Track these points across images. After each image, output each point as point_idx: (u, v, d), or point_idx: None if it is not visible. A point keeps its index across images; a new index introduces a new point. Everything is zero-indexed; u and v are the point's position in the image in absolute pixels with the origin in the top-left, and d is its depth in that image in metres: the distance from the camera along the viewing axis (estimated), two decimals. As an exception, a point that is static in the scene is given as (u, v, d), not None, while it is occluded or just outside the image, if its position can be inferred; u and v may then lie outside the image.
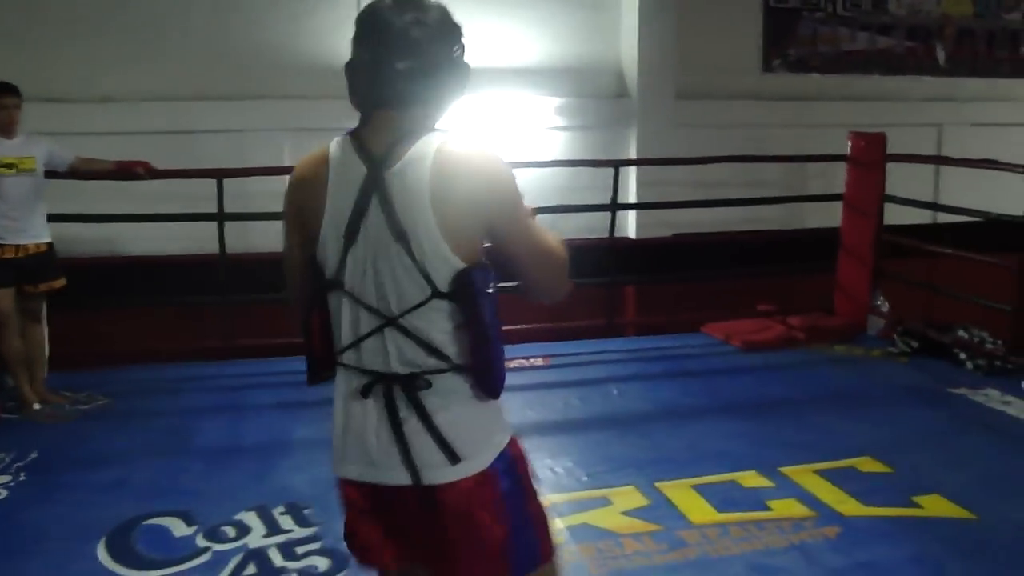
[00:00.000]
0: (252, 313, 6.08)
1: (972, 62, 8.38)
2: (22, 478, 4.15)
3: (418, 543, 1.87)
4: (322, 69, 6.46)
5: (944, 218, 7.31)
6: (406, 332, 1.77)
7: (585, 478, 4.11)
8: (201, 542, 3.53)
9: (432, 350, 1.78)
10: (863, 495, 3.86)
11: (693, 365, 5.88)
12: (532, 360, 5.74)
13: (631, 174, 6.94)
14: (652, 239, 6.85)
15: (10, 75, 5.07)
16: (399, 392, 1.79)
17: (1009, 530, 3.59)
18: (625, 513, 3.74)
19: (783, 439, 4.49)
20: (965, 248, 6.41)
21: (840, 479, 4.01)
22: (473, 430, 1.82)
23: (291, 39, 6.45)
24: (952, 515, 3.72)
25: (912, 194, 6.70)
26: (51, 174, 5.13)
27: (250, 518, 3.72)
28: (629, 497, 3.88)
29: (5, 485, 4.06)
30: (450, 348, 1.79)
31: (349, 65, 1.81)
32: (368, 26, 1.78)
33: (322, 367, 1.90)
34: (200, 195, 5.77)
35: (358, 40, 1.80)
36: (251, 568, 3.34)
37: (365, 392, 1.81)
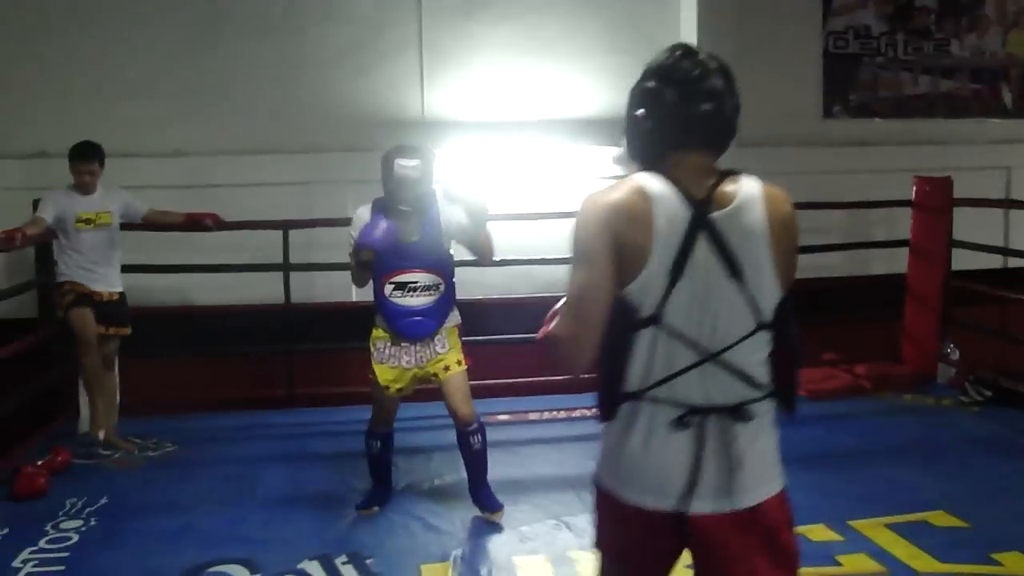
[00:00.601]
0: (314, 362, 6.16)
1: (1039, 104, 8.23)
2: (92, 523, 4.23)
3: (715, 568, 1.92)
4: (385, 122, 6.59)
5: (1015, 263, 7.14)
6: (726, 365, 1.85)
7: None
8: (265, 590, 3.56)
9: (750, 380, 1.87)
10: (938, 550, 3.74)
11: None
12: (594, 410, 5.70)
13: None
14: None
15: (89, 131, 5.30)
16: (715, 422, 1.85)
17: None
18: (689, 565, 3.67)
19: (852, 491, 4.39)
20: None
21: (913, 534, 3.90)
22: (774, 452, 1.95)
23: (355, 94, 6.60)
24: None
25: (980, 238, 6.56)
26: (126, 226, 5.32)
27: (312, 567, 3.74)
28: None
29: (76, 530, 4.15)
30: (763, 376, 1.89)
31: (648, 108, 1.90)
32: (680, 72, 1.89)
33: (619, 402, 1.90)
34: (266, 246, 5.90)
35: (662, 84, 1.89)
36: (314, 618, 3.36)
37: (678, 424, 1.85)
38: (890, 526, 3.94)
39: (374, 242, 3.89)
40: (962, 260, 6.47)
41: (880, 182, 6.92)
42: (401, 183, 3.96)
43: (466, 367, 4.18)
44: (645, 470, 1.88)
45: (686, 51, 1.93)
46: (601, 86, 6.95)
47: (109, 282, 5.17)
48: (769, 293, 1.86)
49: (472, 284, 6.48)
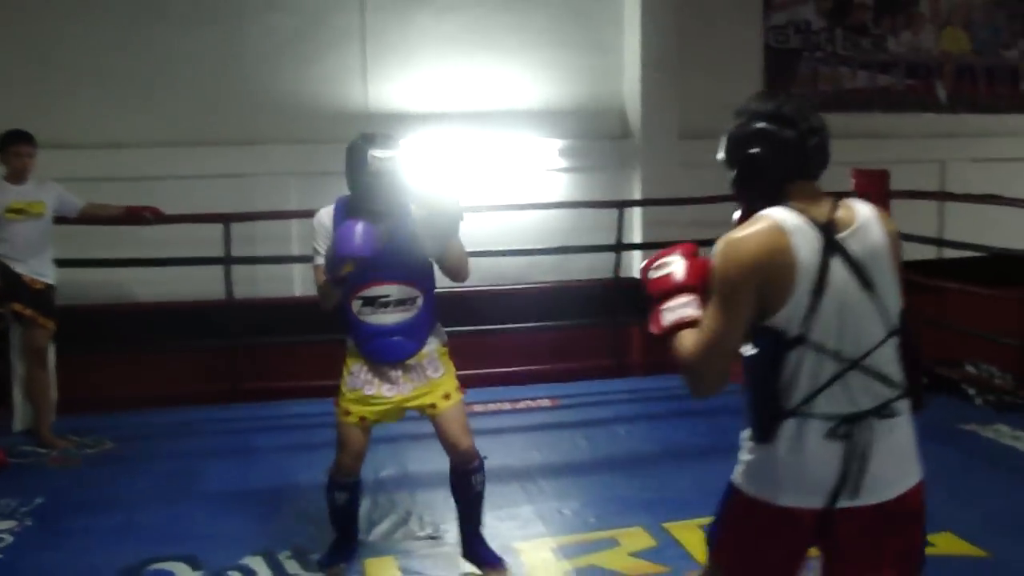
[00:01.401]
0: (257, 357, 6.10)
1: (972, 98, 8.43)
2: (28, 523, 4.13)
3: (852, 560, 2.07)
4: (328, 114, 6.54)
5: (950, 253, 7.31)
6: (867, 370, 2.02)
7: (592, 519, 4.08)
8: (206, 587, 3.52)
9: (887, 381, 2.04)
10: (874, 534, 3.82)
11: (699, 404, 5.78)
12: (539, 401, 5.72)
13: (636, 214, 6.97)
14: (658, 279, 6.86)
15: (21, 122, 5.17)
16: (862, 426, 2.01)
17: (1021, 567, 3.55)
18: (633, 554, 3.71)
19: (792, 478, 4.46)
20: (971, 283, 6.41)
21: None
22: (913, 445, 2.10)
23: (297, 85, 6.53)
24: (965, 553, 3.69)
25: (916, 230, 6.69)
26: (61, 219, 5.20)
27: (256, 563, 3.70)
28: (637, 538, 3.85)
29: (10, 531, 4.05)
30: (898, 376, 2.06)
31: (765, 147, 2.09)
32: (789, 113, 2.10)
33: (775, 421, 2.04)
34: (207, 240, 5.82)
35: (778, 125, 2.09)
36: (257, 614, 3.33)
37: (831, 435, 2.00)
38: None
39: (356, 250, 3.17)
40: (899, 251, 6.59)
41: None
42: (376, 177, 3.31)
43: (463, 395, 3.60)
44: (798, 474, 2.02)
45: (783, 95, 2.16)
46: (545, 79, 6.97)
47: (38, 272, 5.06)
48: (894, 301, 2.07)
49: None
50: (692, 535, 3.82)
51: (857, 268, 2.02)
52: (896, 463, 2.05)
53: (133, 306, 6.23)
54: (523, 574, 3.59)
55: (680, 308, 2.12)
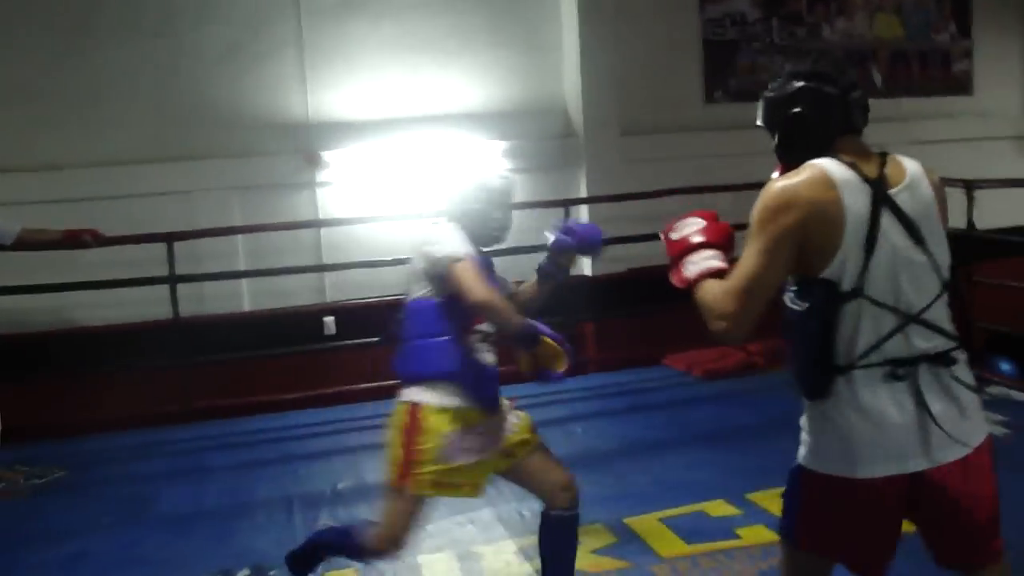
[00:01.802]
0: (208, 375, 6.01)
1: (907, 82, 8.58)
2: (-24, 559, 4.03)
3: (949, 515, 2.06)
4: (269, 125, 6.47)
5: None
6: (926, 324, 2.03)
7: (553, 519, 4.07)
8: (164, 613, 3.45)
9: (945, 333, 2.05)
10: (831, 516, 3.86)
11: (656, 398, 5.89)
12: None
13: (582, 212, 6.99)
14: (607, 275, 6.87)
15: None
16: (926, 370, 2.01)
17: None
18: (594, 552, 3.70)
19: (748, 466, 4.49)
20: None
21: (807, 502, 4.01)
22: (975, 395, 2.09)
23: (236, 97, 6.45)
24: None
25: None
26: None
27: (214, 584, 3.64)
28: (597, 535, 3.85)
29: (-42, 568, 3.95)
30: (951, 329, 2.08)
31: (809, 104, 2.12)
32: (827, 69, 2.13)
33: (829, 378, 2.03)
34: (151, 259, 5.72)
35: (819, 82, 2.12)
36: (216, 636, 3.27)
37: (892, 378, 1.99)
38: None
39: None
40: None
41: (763, 163, 7.05)
42: (503, 196, 3.04)
43: None
44: (877, 439, 1.99)
45: (819, 53, 2.22)
46: (486, 81, 6.97)
47: None
48: (945, 256, 2.09)
49: (365, 286, 6.44)
50: (652, 528, 3.84)
51: (908, 224, 2.03)
52: (970, 411, 2.05)
53: (79, 330, 6.10)
54: (485, 578, 3.56)
55: (704, 261, 2.13)
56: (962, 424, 2.02)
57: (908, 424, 1.99)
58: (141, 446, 5.47)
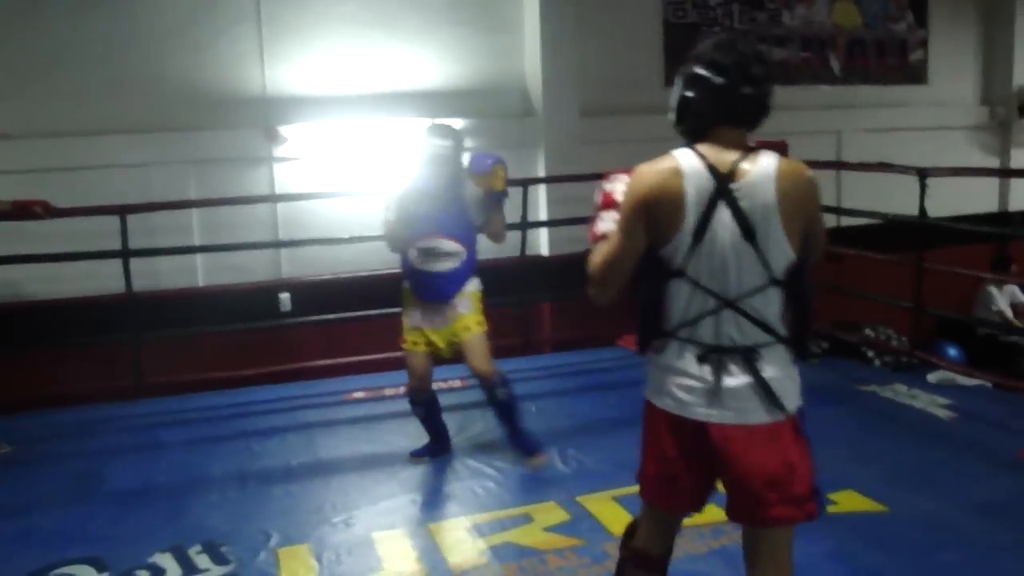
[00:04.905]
0: (161, 350, 5.94)
1: (864, 70, 8.68)
2: (-80, 534, 3.96)
3: (737, 474, 2.27)
4: (226, 99, 6.38)
5: (847, 221, 7.53)
6: (743, 312, 2.23)
7: (507, 497, 4.11)
8: (113, 588, 3.42)
9: (765, 326, 2.25)
10: (779, 495, 3.93)
11: (610, 378, 5.94)
12: (450, 382, 5.72)
13: (540, 192, 6.99)
14: (564, 255, 6.89)
15: None
16: (733, 359, 2.23)
17: (918, 520, 3.70)
18: (547, 529, 3.74)
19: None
20: (867, 249, 6.62)
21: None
22: (786, 385, 2.27)
23: (191, 70, 6.34)
24: (865, 509, 3.83)
25: (814, 200, 6.87)
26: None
27: (165, 559, 3.61)
28: (551, 513, 3.89)
29: (-98, 543, 3.87)
30: (778, 325, 2.26)
31: (698, 91, 2.26)
32: (726, 61, 2.23)
33: (651, 339, 2.33)
34: (103, 233, 5.63)
35: (712, 71, 2.24)
36: (166, 611, 3.25)
37: (701, 360, 2.25)
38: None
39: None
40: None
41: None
42: (436, 161, 4.25)
43: (485, 329, 4.40)
44: (674, 388, 2.29)
45: (730, 42, 2.28)
46: (445, 59, 6.93)
47: None
48: (779, 255, 2.22)
49: (321, 263, 6.41)
50: (605, 506, 3.88)
51: (740, 217, 2.19)
52: (758, 396, 2.24)
53: (29, 304, 5.99)
54: (439, 554, 3.58)
55: (608, 222, 2.37)
56: (748, 404, 2.23)
57: (702, 388, 2.25)
58: (92, 422, 5.41)
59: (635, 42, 7.60)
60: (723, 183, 2.19)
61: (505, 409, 4.42)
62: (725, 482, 2.34)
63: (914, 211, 5.84)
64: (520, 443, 4.48)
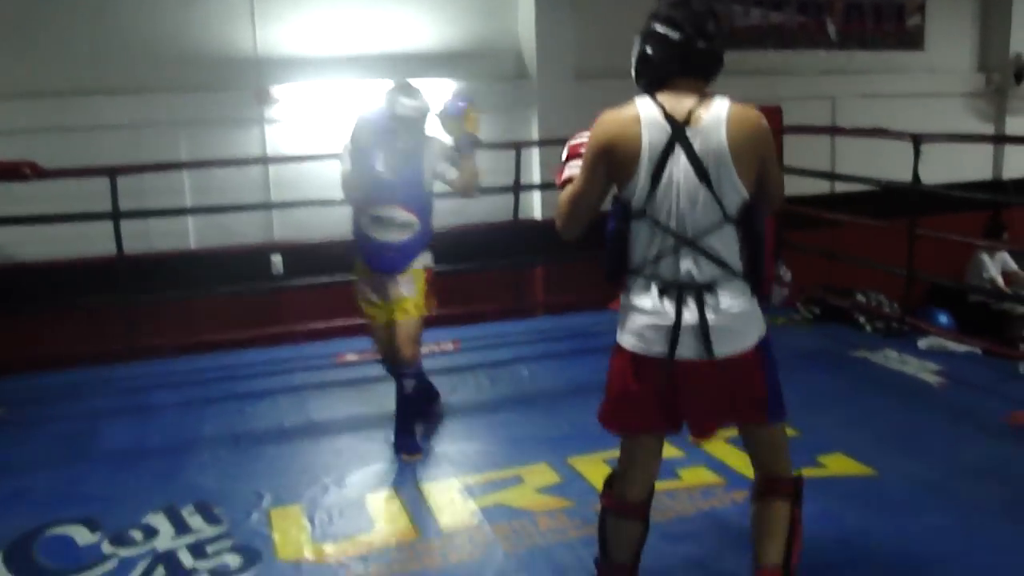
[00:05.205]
0: (153, 313, 5.93)
1: (861, 35, 8.62)
2: (-88, 495, 3.97)
3: (700, 402, 2.51)
4: (215, 60, 6.32)
5: (841, 187, 7.52)
6: (700, 250, 2.40)
7: (498, 458, 4.13)
8: (107, 548, 3.42)
9: (722, 264, 2.42)
10: (769, 458, 3.95)
11: (601, 342, 5.84)
12: (442, 345, 5.72)
13: (533, 155, 6.96)
14: (558, 219, 6.88)
15: None
16: (691, 293, 2.41)
17: (905, 483, 3.73)
18: (538, 491, 3.76)
19: (692, 409, 4.57)
20: (861, 215, 6.61)
21: (747, 444, 4.09)
22: (746, 318, 2.46)
23: (183, 29, 6.27)
24: (853, 472, 3.85)
25: (810, 165, 6.87)
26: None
27: (158, 520, 3.62)
28: (542, 475, 3.91)
29: None
30: (735, 262, 2.43)
31: (656, 47, 2.44)
32: (681, 18, 2.42)
33: (618, 275, 2.52)
34: (94, 194, 5.59)
35: (668, 27, 2.43)
36: (160, 571, 3.25)
37: (661, 295, 2.43)
38: (728, 440, 4.10)
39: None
40: (792, 186, 6.72)
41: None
42: (401, 123, 4.03)
43: (425, 314, 4.22)
44: (644, 326, 2.45)
45: (685, 1, 2.45)
46: (439, 20, 6.86)
47: None
48: (733, 195, 2.38)
49: (313, 225, 6.38)
50: (596, 469, 3.89)
51: (694, 160, 2.35)
52: (724, 330, 2.41)
53: (18, 266, 5.96)
54: (431, 515, 3.60)
55: (574, 168, 2.56)
56: (724, 336, 2.41)
57: (665, 326, 2.42)
58: (84, 384, 5.40)
59: (630, 5, 7.49)
60: (678, 128, 2.36)
61: (406, 402, 4.22)
62: (690, 410, 2.55)
63: (908, 177, 5.82)
64: (402, 438, 4.22)
